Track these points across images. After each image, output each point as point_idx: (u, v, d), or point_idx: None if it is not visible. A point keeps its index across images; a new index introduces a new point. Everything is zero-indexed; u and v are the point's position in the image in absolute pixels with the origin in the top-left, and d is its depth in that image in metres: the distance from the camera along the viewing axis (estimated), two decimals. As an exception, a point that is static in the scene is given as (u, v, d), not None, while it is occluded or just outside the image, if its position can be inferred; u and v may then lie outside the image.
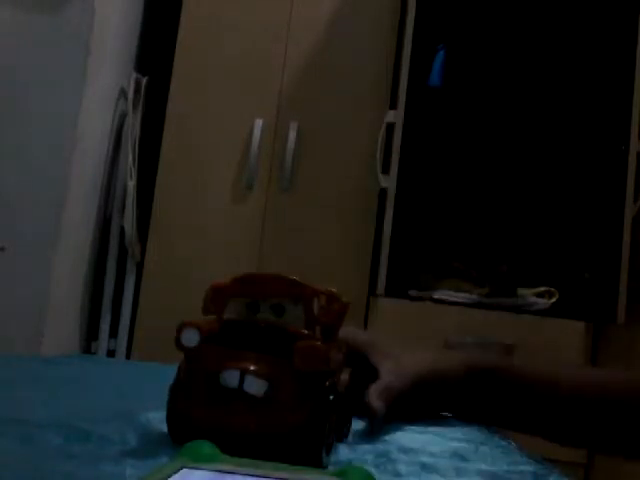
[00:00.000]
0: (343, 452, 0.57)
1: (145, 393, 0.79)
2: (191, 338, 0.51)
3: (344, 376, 0.56)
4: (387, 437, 0.63)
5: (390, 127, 2.32)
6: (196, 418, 0.51)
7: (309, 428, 0.50)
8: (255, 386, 0.50)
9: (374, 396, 0.60)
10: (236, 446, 0.47)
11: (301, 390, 0.50)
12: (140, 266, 2.52)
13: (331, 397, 0.52)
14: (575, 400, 0.72)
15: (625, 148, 2.25)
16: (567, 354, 2.18)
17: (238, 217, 2.54)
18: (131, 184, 2.45)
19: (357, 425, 0.62)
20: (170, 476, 0.37)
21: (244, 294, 0.54)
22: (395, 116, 2.29)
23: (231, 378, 0.50)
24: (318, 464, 0.50)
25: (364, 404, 0.61)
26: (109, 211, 2.54)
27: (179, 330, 0.51)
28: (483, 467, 0.57)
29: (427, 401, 0.69)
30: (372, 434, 0.62)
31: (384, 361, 0.63)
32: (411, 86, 2.28)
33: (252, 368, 0.50)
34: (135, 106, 2.50)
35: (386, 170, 2.28)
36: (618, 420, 0.72)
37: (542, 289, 2.24)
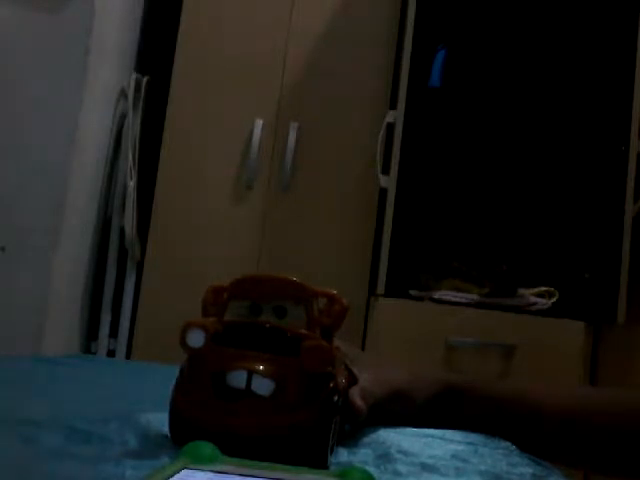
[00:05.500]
0: (343, 453, 0.57)
1: (145, 393, 0.79)
2: (197, 338, 0.51)
3: (340, 379, 0.56)
4: (386, 440, 0.63)
5: (390, 127, 2.32)
6: (201, 419, 0.51)
7: (316, 428, 0.50)
8: (263, 386, 0.50)
9: (356, 396, 0.61)
10: (241, 447, 0.47)
11: (307, 390, 0.50)
12: (140, 266, 2.52)
13: (335, 398, 0.52)
14: (558, 420, 0.74)
15: (625, 148, 2.25)
16: (567, 354, 2.18)
17: (238, 217, 2.54)
18: (131, 184, 2.45)
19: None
20: (171, 477, 0.37)
21: (246, 296, 0.54)
22: (395, 116, 2.29)
23: (238, 378, 0.50)
24: (323, 465, 0.51)
25: (347, 404, 0.61)
26: (109, 211, 2.54)
27: (184, 330, 0.51)
28: (483, 468, 0.57)
29: (400, 413, 0.71)
30: (353, 432, 0.62)
31: (363, 372, 0.64)
32: (411, 86, 2.28)
33: (259, 368, 0.50)
34: (135, 106, 2.50)
35: (386, 170, 2.28)
36: (615, 441, 0.73)
37: (542, 289, 2.24)
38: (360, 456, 0.57)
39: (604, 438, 0.74)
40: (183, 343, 0.51)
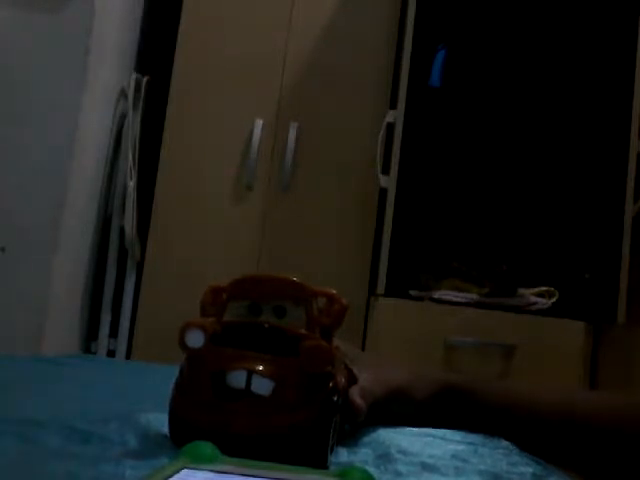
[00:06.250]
0: (343, 453, 0.57)
1: (145, 393, 0.79)
2: (196, 339, 0.51)
3: (340, 378, 0.56)
4: (386, 440, 0.63)
5: (390, 127, 2.32)
6: (200, 420, 0.51)
7: (316, 428, 0.50)
8: (262, 386, 0.50)
9: (356, 395, 0.61)
10: (241, 447, 0.47)
11: (307, 390, 0.50)
12: (140, 266, 2.52)
13: (335, 398, 0.52)
14: (557, 422, 0.74)
15: (625, 148, 2.24)
16: (567, 354, 2.18)
17: (238, 217, 2.54)
18: (131, 184, 2.45)
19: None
20: (171, 476, 0.37)
21: (245, 296, 0.54)
22: (395, 116, 2.29)
23: (238, 378, 0.50)
24: (323, 464, 0.50)
25: (346, 403, 0.61)
26: (109, 211, 2.54)
27: (183, 330, 0.51)
28: (483, 468, 0.57)
29: (400, 412, 0.71)
30: (353, 431, 0.62)
31: (363, 372, 0.65)
32: (411, 86, 2.28)
33: (259, 368, 0.50)
34: (135, 106, 2.50)
35: (386, 170, 2.28)
36: (613, 445, 0.73)
37: (542, 289, 2.24)
38: (360, 456, 0.57)
39: (602, 441, 0.74)
40: (182, 343, 0.51)
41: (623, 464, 0.74)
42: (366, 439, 0.62)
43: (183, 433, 0.51)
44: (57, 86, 2.12)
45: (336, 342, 0.58)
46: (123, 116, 2.55)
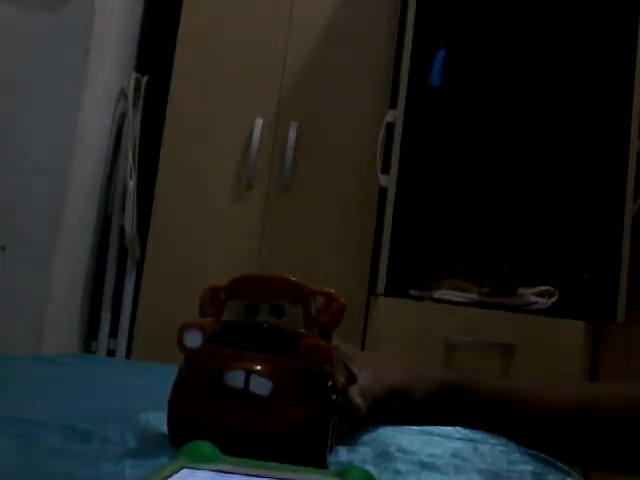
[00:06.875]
0: (343, 452, 0.57)
1: (145, 393, 0.79)
2: (194, 339, 0.51)
3: (339, 377, 0.56)
4: (386, 439, 0.63)
5: (390, 126, 2.32)
6: (199, 420, 0.51)
7: (314, 428, 0.50)
8: (261, 386, 0.50)
9: (355, 395, 0.61)
10: (239, 446, 0.47)
11: (305, 390, 0.50)
12: (140, 266, 2.52)
13: (333, 397, 0.52)
14: (556, 418, 0.74)
15: (625, 148, 2.25)
16: (567, 354, 2.19)
17: (238, 217, 2.54)
18: (131, 184, 2.45)
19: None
20: (171, 476, 0.37)
21: (243, 296, 0.54)
22: (395, 115, 2.29)
23: (236, 378, 0.50)
24: (322, 464, 0.51)
25: (346, 402, 0.61)
26: (109, 211, 2.54)
27: (181, 331, 0.51)
28: (483, 466, 0.57)
29: (399, 411, 0.71)
30: (352, 431, 0.62)
31: (363, 371, 0.65)
32: (411, 86, 2.28)
33: (257, 368, 0.50)
34: (135, 106, 2.50)
35: (386, 170, 2.28)
36: (614, 436, 0.73)
37: (542, 288, 2.24)
38: (359, 455, 0.57)
39: (606, 432, 0.74)
40: (180, 344, 0.51)
41: (626, 453, 0.74)
42: (365, 438, 0.62)
43: (182, 433, 0.51)
44: (57, 85, 2.12)
45: (335, 342, 0.58)
46: (123, 116, 2.55)
